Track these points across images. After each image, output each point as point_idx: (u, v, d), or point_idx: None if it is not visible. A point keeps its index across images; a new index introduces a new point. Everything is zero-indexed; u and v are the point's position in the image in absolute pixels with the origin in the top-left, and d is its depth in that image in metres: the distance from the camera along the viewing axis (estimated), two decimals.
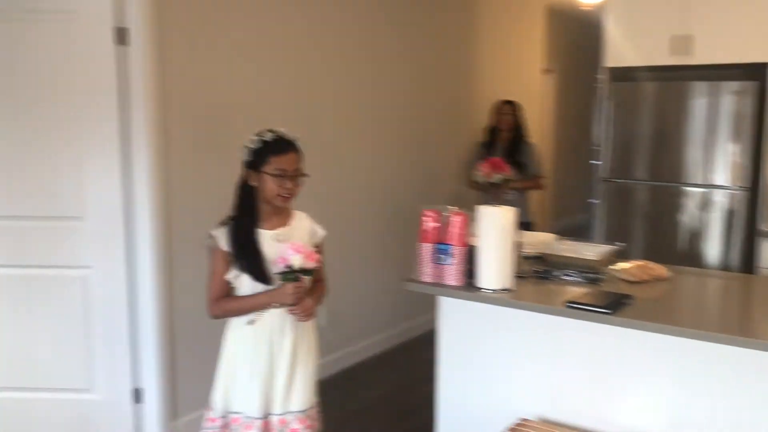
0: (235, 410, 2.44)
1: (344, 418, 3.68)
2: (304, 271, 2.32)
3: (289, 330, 2.42)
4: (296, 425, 2.43)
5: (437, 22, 5.20)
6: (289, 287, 2.31)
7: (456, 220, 2.61)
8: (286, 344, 2.42)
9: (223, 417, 2.46)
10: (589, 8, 7.35)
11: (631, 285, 2.70)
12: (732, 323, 2.51)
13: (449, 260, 2.63)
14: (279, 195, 2.35)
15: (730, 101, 4.05)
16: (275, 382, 2.42)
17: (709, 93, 4.14)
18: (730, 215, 4.10)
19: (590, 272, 2.80)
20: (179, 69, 3.31)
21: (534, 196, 5.41)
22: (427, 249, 2.67)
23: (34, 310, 3.27)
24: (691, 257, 4.19)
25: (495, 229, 2.54)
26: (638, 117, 4.38)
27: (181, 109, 3.34)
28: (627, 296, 2.50)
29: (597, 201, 4.57)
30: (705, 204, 4.19)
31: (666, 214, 4.33)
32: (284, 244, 2.35)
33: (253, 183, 2.38)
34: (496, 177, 4.27)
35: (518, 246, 2.75)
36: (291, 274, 2.30)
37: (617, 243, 3.17)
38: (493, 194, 4.42)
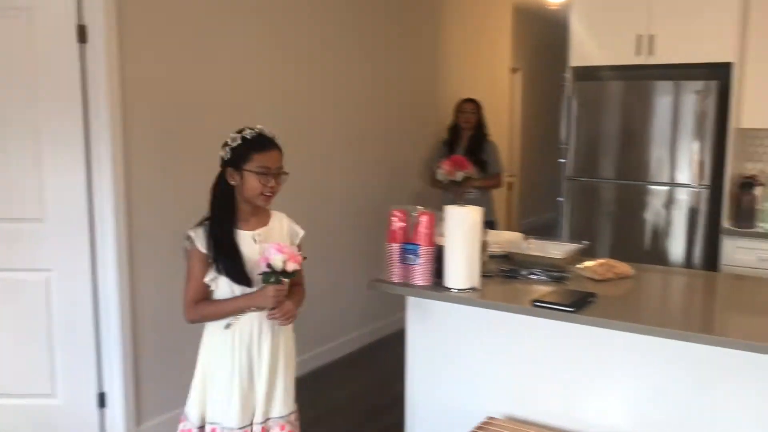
0: (212, 421, 2.35)
1: (316, 418, 3.67)
2: (287, 274, 2.23)
3: (268, 334, 2.35)
4: (277, 431, 2.37)
5: (404, 20, 5.20)
6: (270, 290, 2.23)
7: (423, 220, 2.61)
8: (265, 349, 2.34)
9: (200, 428, 2.36)
10: (555, 7, 7.43)
11: (596, 283, 2.73)
12: (695, 320, 2.54)
13: (417, 260, 2.63)
14: (262, 194, 2.28)
15: (693, 100, 4.11)
16: (255, 389, 2.34)
17: (672, 92, 4.20)
18: (694, 213, 4.17)
19: (556, 271, 2.83)
20: (141, 67, 3.26)
21: (498, 195, 5.44)
22: (395, 249, 2.67)
23: None
24: (656, 255, 4.25)
25: (462, 229, 2.54)
26: (603, 116, 4.42)
27: (144, 107, 3.29)
28: (592, 294, 2.52)
29: (563, 199, 4.60)
30: (669, 202, 4.24)
31: (631, 212, 4.38)
32: (265, 244, 2.27)
33: (233, 182, 2.29)
34: (459, 175, 4.29)
35: (485, 245, 2.76)
36: (272, 275, 2.21)
37: (583, 241, 3.19)
38: (455, 192, 4.45)
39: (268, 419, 2.37)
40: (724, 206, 4.14)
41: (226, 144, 2.30)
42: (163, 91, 3.38)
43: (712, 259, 4.14)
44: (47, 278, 3.19)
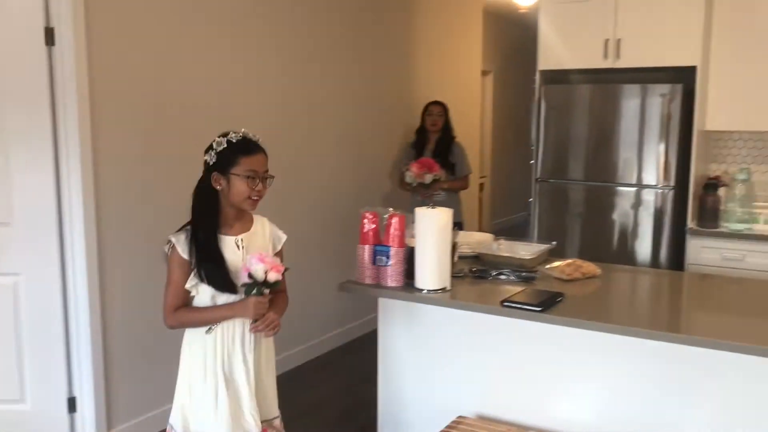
0: (196, 430, 2.29)
1: (290, 418, 3.64)
2: (268, 284, 2.19)
3: (250, 339, 2.30)
4: None
5: (374, 22, 5.22)
6: (251, 301, 2.20)
7: (394, 222, 2.63)
8: (248, 354, 2.30)
9: None
10: (524, 11, 7.50)
11: (564, 283, 2.77)
12: (661, 319, 2.59)
13: (388, 262, 2.65)
14: (249, 198, 2.23)
15: (659, 103, 4.19)
16: (240, 395, 2.29)
17: (639, 95, 4.27)
18: (660, 214, 4.24)
19: (525, 271, 2.87)
20: (109, 69, 3.23)
21: (469, 196, 5.48)
22: (366, 251, 2.69)
23: None
24: (624, 255, 4.32)
25: (432, 231, 2.57)
26: (572, 119, 4.48)
27: (112, 109, 3.26)
28: (559, 294, 2.56)
29: (533, 200, 4.66)
30: (636, 203, 4.31)
31: (599, 213, 4.45)
32: (247, 256, 2.23)
33: (218, 186, 2.24)
34: (428, 177, 4.31)
35: (455, 246, 2.79)
36: (254, 287, 2.18)
37: (552, 242, 3.24)
38: (423, 194, 4.48)
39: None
40: (689, 207, 4.22)
41: (210, 148, 2.24)
42: (131, 93, 3.36)
43: (678, 259, 4.21)
44: (15, 282, 3.15)
